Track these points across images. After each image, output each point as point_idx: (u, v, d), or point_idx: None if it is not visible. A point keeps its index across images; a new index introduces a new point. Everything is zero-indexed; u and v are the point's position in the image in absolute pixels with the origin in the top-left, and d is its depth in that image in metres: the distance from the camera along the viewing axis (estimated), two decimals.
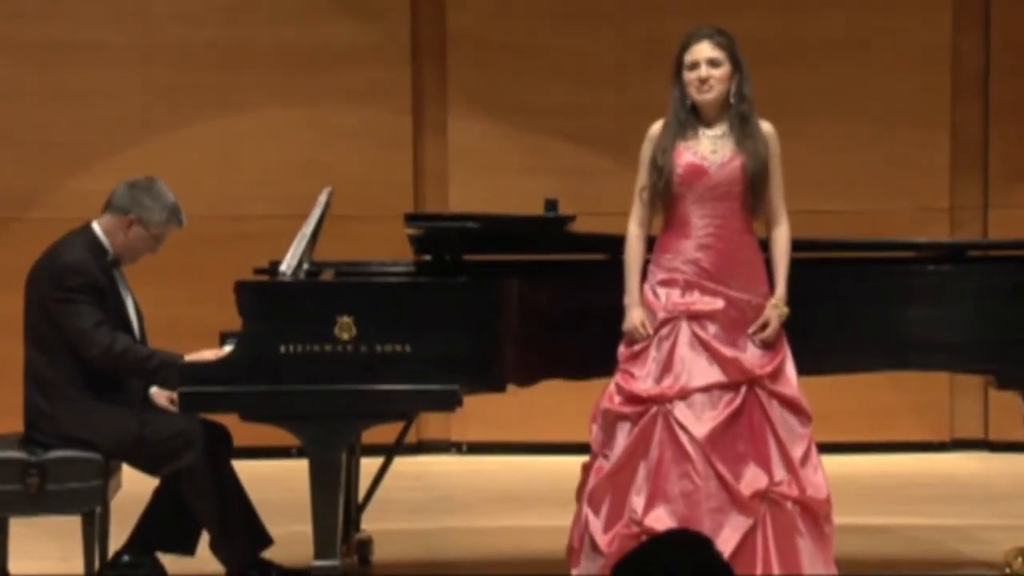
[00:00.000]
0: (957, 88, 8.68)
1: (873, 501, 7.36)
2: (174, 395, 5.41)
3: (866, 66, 8.63)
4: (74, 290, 5.51)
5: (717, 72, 5.23)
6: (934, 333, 5.69)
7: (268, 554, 5.70)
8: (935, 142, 8.67)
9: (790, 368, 5.25)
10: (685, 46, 5.28)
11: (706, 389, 5.16)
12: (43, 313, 5.57)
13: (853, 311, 5.67)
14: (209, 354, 5.42)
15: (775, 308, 5.23)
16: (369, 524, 6.27)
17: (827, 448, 5.29)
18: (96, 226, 5.69)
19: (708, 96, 5.24)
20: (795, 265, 5.33)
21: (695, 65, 5.24)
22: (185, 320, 7.95)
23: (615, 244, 5.44)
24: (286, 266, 5.49)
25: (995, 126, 8.69)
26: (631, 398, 5.20)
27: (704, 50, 5.24)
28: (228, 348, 5.41)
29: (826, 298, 5.64)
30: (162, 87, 8.58)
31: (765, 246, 5.35)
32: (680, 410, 5.14)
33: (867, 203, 8.57)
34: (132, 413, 5.55)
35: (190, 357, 5.44)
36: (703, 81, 5.23)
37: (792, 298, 5.29)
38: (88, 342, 5.49)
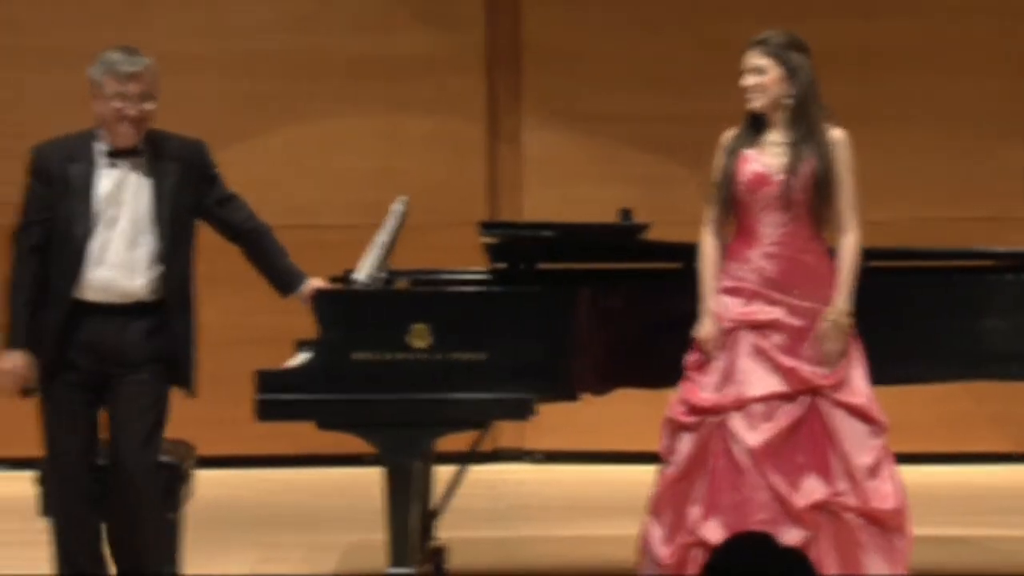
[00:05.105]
0: None
1: (951, 512, 7.30)
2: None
3: (942, 73, 8.56)
4: (29, 172, 5.28)
5: (761, 79, 5.20)
6: (1013, 343, 5.63)
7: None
8: (1013, 149, 8.59)
9: (859, 376, 5.19)
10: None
11: (764, 399, 5.13)
12: None
13: (932, 321, 5.62)
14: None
15: (827, 320, 5.17)
16: (443, 532, 6.28)
17: (904, 458, 5.25)
18: None
19: (754, 104, 5.23)
20: (872, 274, 5.29)
21: (742, 73, 5.25)
22: (262, 327, 7.98)
23: (690, 252, 5.42)
24: (362, 274, 5.51)
25: None
26: (692, 408, 5.19)
27: (749, 58, 5.24)
28: (303, 356, 5.43)
29: (904, 308, 5.59)
30: (237, 96, 8.62)
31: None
32: (735, 420, 5.12)
33: (944, 211, 8.49)
34: None
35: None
36: (746, 90, 5.24)
37: (870, 307, 5.25)
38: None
